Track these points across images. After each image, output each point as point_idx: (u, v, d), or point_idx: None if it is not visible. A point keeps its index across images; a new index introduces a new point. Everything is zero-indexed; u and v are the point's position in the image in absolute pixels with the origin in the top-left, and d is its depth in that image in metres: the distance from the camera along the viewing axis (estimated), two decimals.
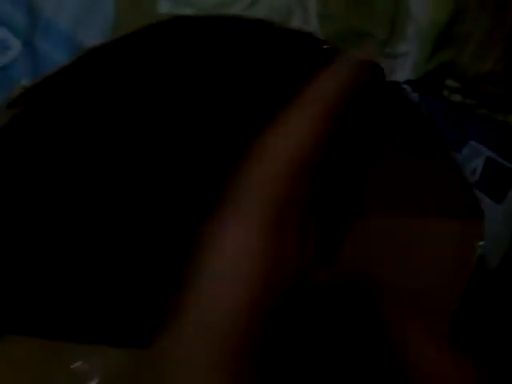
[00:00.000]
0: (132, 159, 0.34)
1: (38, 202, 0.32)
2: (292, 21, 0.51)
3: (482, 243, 0.31)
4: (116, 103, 0.32)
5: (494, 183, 0.48)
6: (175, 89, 0.33)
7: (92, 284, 0.33)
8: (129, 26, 0.51)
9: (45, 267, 0.32)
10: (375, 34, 0.49)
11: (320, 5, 0.50)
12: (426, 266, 0.33)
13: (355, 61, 0.22)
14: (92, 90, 0.30)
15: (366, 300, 0.26)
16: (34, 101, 0.29)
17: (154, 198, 0.34)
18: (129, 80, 0.31)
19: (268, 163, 0.20)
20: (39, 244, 0.32)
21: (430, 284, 0.32)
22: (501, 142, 0.48)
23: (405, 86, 0.49)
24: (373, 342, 0.25)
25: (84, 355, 0.32)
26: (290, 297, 0.19)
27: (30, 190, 0.31)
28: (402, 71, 0.49)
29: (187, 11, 0.52)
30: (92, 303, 0.33)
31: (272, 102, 0.35)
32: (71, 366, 0.32)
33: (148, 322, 0.24)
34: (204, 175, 0.35)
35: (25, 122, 0.29)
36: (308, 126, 0.20)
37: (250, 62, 0.32)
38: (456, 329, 0.31)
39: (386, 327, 0.24)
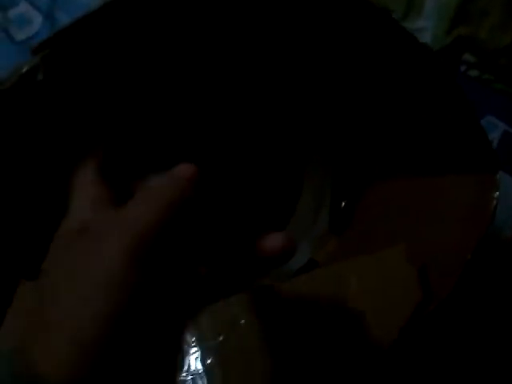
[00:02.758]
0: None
1: None
2: None
3: (497, 194, 0.31)
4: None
5: (510, 156, 0.48)
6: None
7: None
8: None
9: None
10: (394, 9, 0.50)
11: None
12: (443, 220, 0.34)
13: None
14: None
15: None
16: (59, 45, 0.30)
17: None
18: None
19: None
20: None
21: (447, 236, 0.33)
22: None
23: None
24: None
25: None
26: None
27: None
28: None
29: None
30: None
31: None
32: None
33: None
34: None
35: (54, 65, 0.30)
36: None
37: (263, 18, 0.32)
38: (467, 279, 0.31)
39: None
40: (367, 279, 0.30)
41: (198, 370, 0.29)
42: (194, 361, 0.29)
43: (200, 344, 0.29)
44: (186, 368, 0.29)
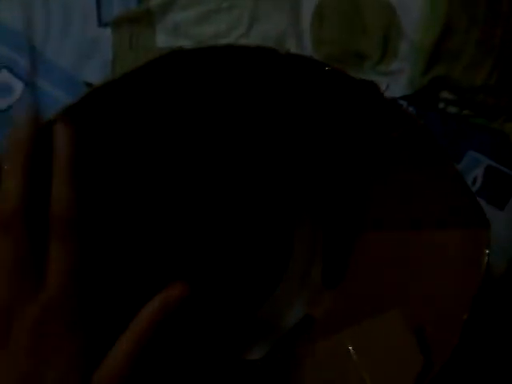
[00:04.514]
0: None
1: None
2: (286, 47, 0.52)
3: (488, 252, 0.32)
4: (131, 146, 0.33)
5: (496, 191, 0.49)
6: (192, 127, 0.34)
7: None
8: (127, 60, 0.54)
9: None
10: (369, 54, 0.51)
11: (314, 30, 0.51)
12: (434, 278, 0.34)
13: None
14: (101, 131, 0.31)
15: None
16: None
17: None
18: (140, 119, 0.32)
19: None
20: None
21: (440, 295, 0.33)
22: (499, 149, 0.49)
23: (401, 101, 0.51)
24: None
25: None
26: None
27: None
28: (397, 87, 0.50)
29: (184, 43, 0.53)
30: None
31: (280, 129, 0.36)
32: None
33: None
34: None
35: None
36: None
37: (254, 89, 0.33)
38: (466, 338, 0.31)
39: None
40: (366, 349, 0.30)
41: None
42: None
43: None
44: None
